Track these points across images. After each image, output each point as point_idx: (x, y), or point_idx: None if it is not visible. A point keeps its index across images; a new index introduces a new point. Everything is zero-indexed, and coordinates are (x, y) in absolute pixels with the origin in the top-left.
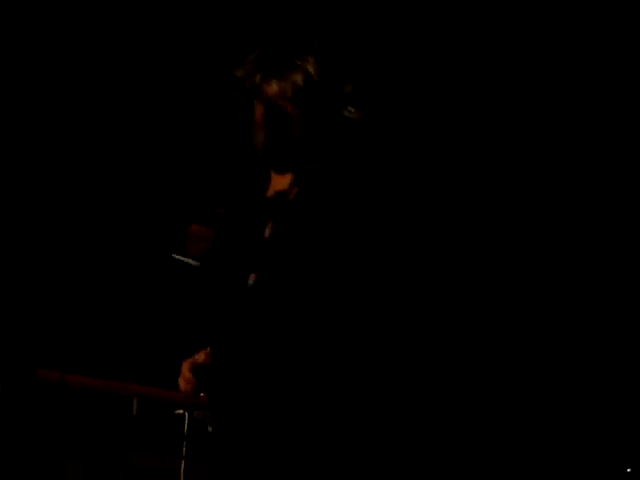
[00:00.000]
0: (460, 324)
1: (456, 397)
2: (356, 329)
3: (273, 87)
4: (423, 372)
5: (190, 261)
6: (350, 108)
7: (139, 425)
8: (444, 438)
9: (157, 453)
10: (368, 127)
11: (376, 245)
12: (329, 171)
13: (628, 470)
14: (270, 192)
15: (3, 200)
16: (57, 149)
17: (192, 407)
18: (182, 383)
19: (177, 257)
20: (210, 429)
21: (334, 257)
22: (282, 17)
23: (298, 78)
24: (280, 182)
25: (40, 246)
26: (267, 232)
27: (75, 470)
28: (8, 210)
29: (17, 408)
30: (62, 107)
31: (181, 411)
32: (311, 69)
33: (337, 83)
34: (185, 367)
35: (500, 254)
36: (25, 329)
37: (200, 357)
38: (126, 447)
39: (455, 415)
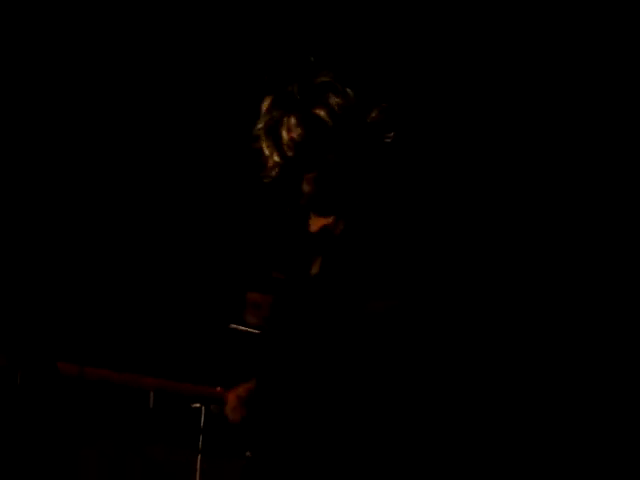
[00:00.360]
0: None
1: (457, 398)
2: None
3: (302, 128)
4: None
5: (249, 330)
6: (384, 133)
7: (155, 418)
8: (446, 439)
9: (173, 446)
10: (402, 149)
11: (427, 276)
12: (374, 200)
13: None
14: (313, 229)
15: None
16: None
17: (209, 400)
18: (229, 412)
19: (235, 327)
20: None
21: (390, 292)
22: (288, 50)
23: (323, 114)
24: (320, 219)
25: (62, 241)
26: (314, 269)
27: (91, 461)
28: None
29: (36, 400)
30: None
31: (197, 404)
32: (334, 103)
33: (362, 111)
34: (231, 396)
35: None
36: (44, 322)
37: (245, 389)
38: (142, 439)
39: (455, 416)
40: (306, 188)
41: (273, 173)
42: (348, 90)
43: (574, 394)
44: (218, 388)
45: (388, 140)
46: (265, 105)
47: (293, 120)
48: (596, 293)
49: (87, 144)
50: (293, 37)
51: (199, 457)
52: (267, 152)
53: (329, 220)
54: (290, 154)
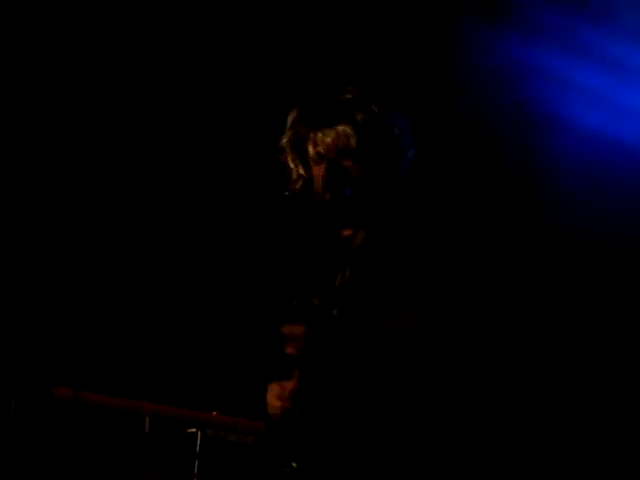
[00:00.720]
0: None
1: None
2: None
3: (328, 142)
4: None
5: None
6: (407, 149)
7: (151, 443)
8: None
9: (169, 471)
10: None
11: (451, 287)
12: (395, 210)
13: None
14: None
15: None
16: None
17: (204, 425)
18: (272, 402)
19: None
20: (294, 465)
21: (417, 300)
22: (315, 67)
23: (349, 130)
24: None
25: (58, 262)
26: (339, 281)
27: None
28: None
29: (31, 424)
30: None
31: (194, 429)
32: (359, 119)
33: (387, 127)
34: (273, 390)
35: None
36: (39, 346)
37: (288, 384)
38: (138, 464)
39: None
40: (327, 197)
41: (297, 186)
42: (373, 106)
43: (585, 400)
44: (214, 413)
45: (410, 156)
46: (290, 119)
47: (320, 135)
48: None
49: (110, 161)
50: (319, 55)
51: None
52: (292, 165)
53: (349, 232)
54: (315, 168)
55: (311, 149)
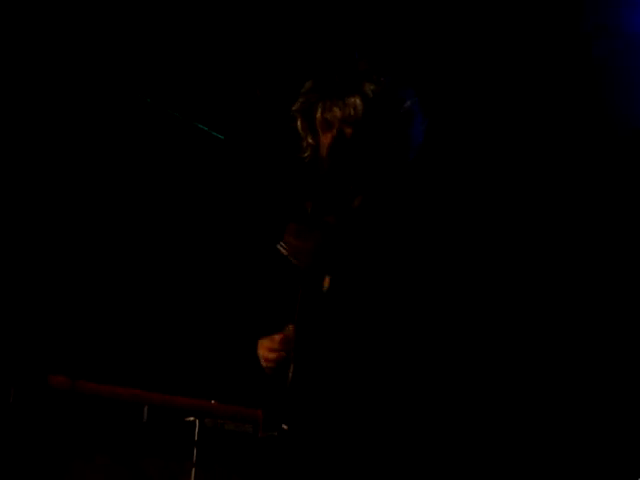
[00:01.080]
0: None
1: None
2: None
3: (336, 112)
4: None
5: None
6: (413, 122)
7: (149, 431)
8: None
9: (167, 460)
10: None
11: (444, 252)
12: (394, 176)
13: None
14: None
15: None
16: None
17: (203, 414)
18: (265, 355)
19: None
20: (285, 427)
21: (405, 262)
22: (330, 41)
23: (358, 101)
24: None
25: (52, 252)
26: (326, 284)
27: (85, 476)
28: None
29: (28, 413)
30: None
31: (192, 418)
32: (368, 91)
33: (397, 101)
34: (263, 344)
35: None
36: (36, 335)
37: (277, 335)
38: (136, 453)
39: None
40: (332, 166)
41: (306, 154)
42: (383, 79)
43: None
44: (212, 401)
45: (419, 130)
46: (304, 88)
47: (329, 103)
48: (596, 293)
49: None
50: (334, 27)
51: (193, 471)
52: (302, 133)
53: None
54: (323, 136)
55: (319, 116)
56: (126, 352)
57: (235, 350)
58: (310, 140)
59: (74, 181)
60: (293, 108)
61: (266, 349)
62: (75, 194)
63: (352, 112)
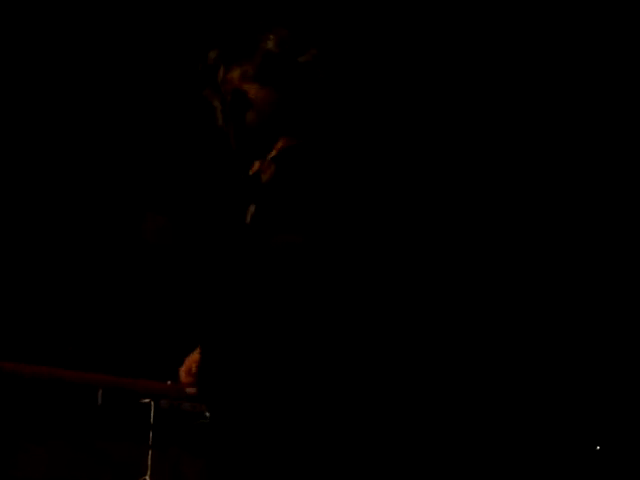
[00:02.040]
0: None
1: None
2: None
3: (235, 72)
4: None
5: None
6: (318, 73)
7: (105, 415)
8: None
9: (123, 442)
10: (338, 93)
11: (360, 224)
12: (304, 147)
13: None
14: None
15: None
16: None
17: (158, 395)
18: (183, 375)
19: None
20: (207, 415)
21: (316, 238)
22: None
23: (256, 58)
24: (256, 164)
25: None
26: (248, 217)
27: (41, 460)
28: None
29: None
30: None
31: (147, 400)
32: (267, 45)
33: (295, 53)
34: (189, 362)
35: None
36: None
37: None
38: (92, 436)
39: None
40: (231, 125)
41: (219, 122)
42: (282, 35)
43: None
44: (168, 382)
45: (321, 78)
46: (209, 57)
47: (230, 67)
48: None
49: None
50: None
51: (150, 452)
52: (211, 100)
53: (261, 163)
54: (228, 98)
55: (221, 80)
56: (79, 336)
57: (187, 330)
58: (217, 105)
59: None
60: (198, 74)
61: (184, 374)
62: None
63: (252, 69)
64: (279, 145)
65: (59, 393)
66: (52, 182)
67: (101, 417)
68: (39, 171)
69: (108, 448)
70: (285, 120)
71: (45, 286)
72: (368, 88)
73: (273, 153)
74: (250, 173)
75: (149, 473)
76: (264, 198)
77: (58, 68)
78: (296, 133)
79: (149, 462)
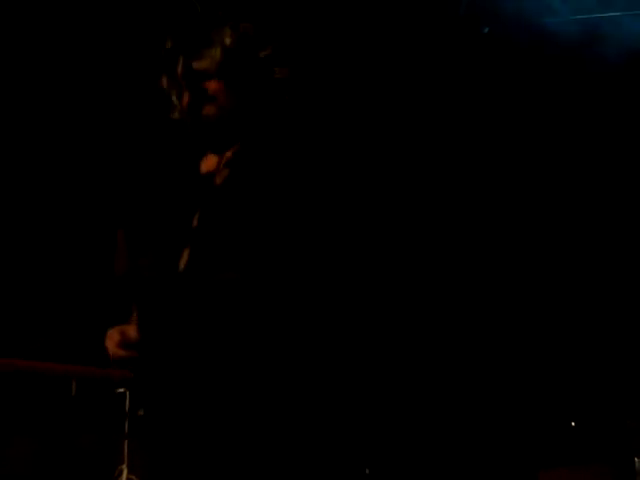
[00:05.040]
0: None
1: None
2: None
3: (196, 66)
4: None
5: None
6: (275, 69)
7: (79, 406)
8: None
9: (99, 432)
10: (296, 90)
11: (314, 226)
12: (260, 150)
13: (572, 424)
14: (203, 169)
15: None
16: None
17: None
18: (112, 347)
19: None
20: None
21: (267, 243)
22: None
23: (217, 53)
24: (211, 163)
25: None
26: (195, 221)
27: (15, 454)
28: None
29: None
30: None
31: (122, 389)
32: (227, 41)
33: (256, 48)
34: (115, 332)
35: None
36: None
37: (130, 330)
38: (67, 428)
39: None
40: (188, 121)
41: (175, 115)
42: (241, 30)
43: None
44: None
45: (278, 75)
46: (165, 47)
47: (188, 59)
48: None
49: None
50: None
51: (126, 442)
52: (168, 92)
53: (214, 165)
54: (185, 93)
55: (180, 73)
56: (47, 327)
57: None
58: (174, 99)
59: None
60: (155, 65)
61: (115, 344)
62: None
63: (209, 65)
64: (235, 148)
65: (32, 385)
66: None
67: (76, 408)
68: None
69: (84, 439)
70: (244, 118)
71: (15, 279)
72: (329, 87)
73: (229, 155)
74: (203, 172)
75: (126, 462)
76: (214, 203)
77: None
78: (253, 133)
79: (125, 452)
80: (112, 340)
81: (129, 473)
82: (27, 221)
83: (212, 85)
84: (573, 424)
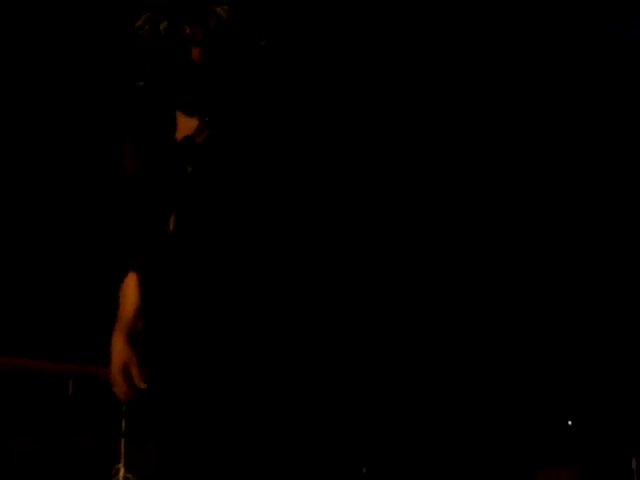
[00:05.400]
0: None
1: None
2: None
3: (185, 31)
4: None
5: None
6: (263, 55)
7: (76, 405)
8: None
9: (96, 431)
10: (279, 74)
11: (294, 187)
12: (238, 114)
13: (569, 423)
14: (178, 136)
15: None
16: None
17: None
18: (117, 375)
19: None
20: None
21: (251, 203)
22: None
23: (210, 22)
24: (187, 126)
25: None
26: (180, 183)
27: (13, 452)
28: None
29: None
30: None
31: None
32: (224, 15)
33: (251, 33)
34: (117, 337)
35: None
36: None
37: (136, 324)
38: (64, 426)
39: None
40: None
41: (146, 79)
42: (239, 8)
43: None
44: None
45: (261, 51)
46: (153, 12)
47: (178, 23)
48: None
49: None
50: None
51: (122, 440)
52: (147, 56)
53: (192, 128)
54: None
55: (164, 32)
56: (45, 325)
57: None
58: (150, 66)
59: None
60: (141, 28)
61: (123, 394)
62: None
63: (201, 32)
64: (213, 110)
65: (30, 384)
66: None
67: (73, 407)
68: None
69: (81, 437)
70: (222, 86)
71: (12, 277)
72: (310, 69)
73: (206, 118)
74: (179, 137)
75: (123, 461)
76: (199, 159)
77: None
78: (231, 102)
79: (122, 450)
80: (118, 387)
81: (126, 471)
82: (26, 221)
83: (196, 51)
84: (570, 423)
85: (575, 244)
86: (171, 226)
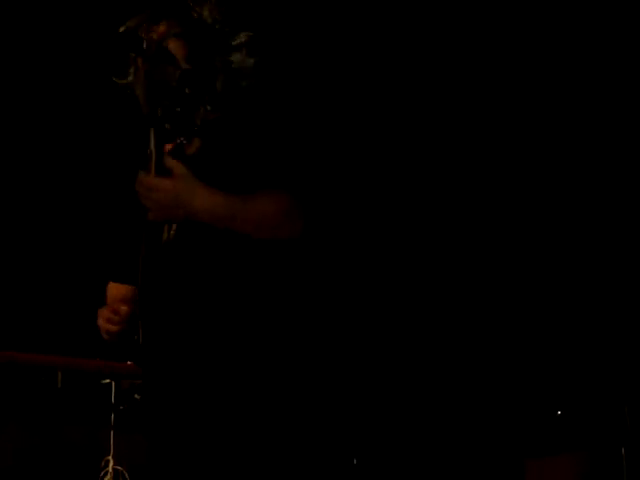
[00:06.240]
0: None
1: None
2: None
3: (160, 27)
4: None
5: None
6: (242, 57)
7: (65, 397)
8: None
9: (85, 424)
10: (261, 76)
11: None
12: (229, 124)
13: (558, 412)
14: (166, 147)
15: None
16: None
17: (119, 376)
18: (105, 326)
19: None
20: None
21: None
22: None
23: (188, 18)
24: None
25: None
26: None
27: (1, 446)
28: None
29: None
30: None
31: (107, 380)
32: (205, 13)
33: (231, 30)
34: (105, 309)
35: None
36: None
37: (121, 307)
38: (53, 419)
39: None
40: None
41: (129, 78)
42: (219, 6)
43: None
44: (128, 362)
45: (243, 65)
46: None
47: (153, 24)
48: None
49: None
50: None
51: (112, 433)
52: (128, 54)
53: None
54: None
55: (144, 36)
56: (34, 318)
57: None
58: (131, 68)
59: None
60: (119, 29)
61: (106, 320)
62: None
63: (177, 26)
64: (201, 116)
65: (17, 377)
66: None
67: (61, 399)
68: None
69: (70, 430)
70: (204, 84)
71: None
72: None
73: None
74: (171, 145)
75: (112, 454)
76: (191, 170)
77: None
78: (214, 101)
79: (112, 443)
80: (102, 317)
81: (115, 464)
82: (11, 216)
83: (172, 43)
84: (559, 413)
85: (564, 239)
86: (165, 235)
